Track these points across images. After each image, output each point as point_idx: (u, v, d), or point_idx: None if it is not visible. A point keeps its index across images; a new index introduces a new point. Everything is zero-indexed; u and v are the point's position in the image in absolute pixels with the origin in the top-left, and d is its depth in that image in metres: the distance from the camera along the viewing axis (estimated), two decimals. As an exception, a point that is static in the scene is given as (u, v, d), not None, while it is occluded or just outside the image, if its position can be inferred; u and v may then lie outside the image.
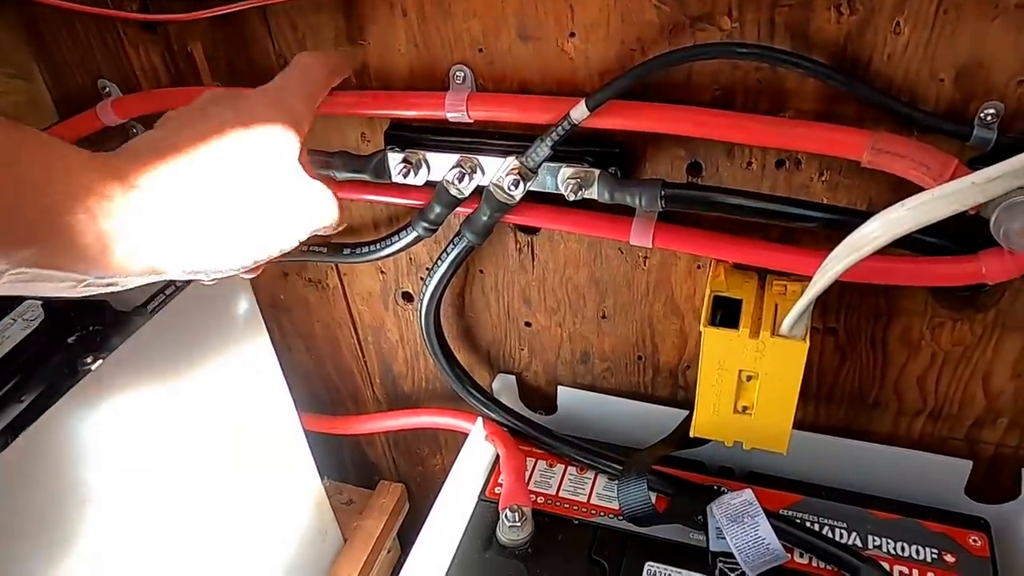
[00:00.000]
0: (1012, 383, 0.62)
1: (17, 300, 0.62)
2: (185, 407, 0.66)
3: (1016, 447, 0.66)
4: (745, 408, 0.63)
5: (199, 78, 0.69)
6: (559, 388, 0.80)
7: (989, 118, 0.50)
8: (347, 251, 0.73)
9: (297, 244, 0.45)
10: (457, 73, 0.61)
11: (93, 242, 0.33)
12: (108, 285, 0.37)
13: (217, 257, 0.40)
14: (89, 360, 0.58)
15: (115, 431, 0.59)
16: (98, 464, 0.57)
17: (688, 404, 0.66)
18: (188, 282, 0.70)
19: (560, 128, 0.55)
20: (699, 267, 0.65)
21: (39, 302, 0.62)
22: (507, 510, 0.68)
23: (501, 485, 0.73)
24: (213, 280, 0.43)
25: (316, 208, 0.46)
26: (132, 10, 0.66)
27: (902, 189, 0.50)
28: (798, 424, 0.71)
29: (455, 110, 0.60)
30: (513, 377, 0.81)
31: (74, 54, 0.72)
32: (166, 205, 0.37)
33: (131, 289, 0.38)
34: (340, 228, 0.48)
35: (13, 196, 0.31)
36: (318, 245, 0.74)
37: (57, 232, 0.32)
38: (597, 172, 0.59)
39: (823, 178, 0.57)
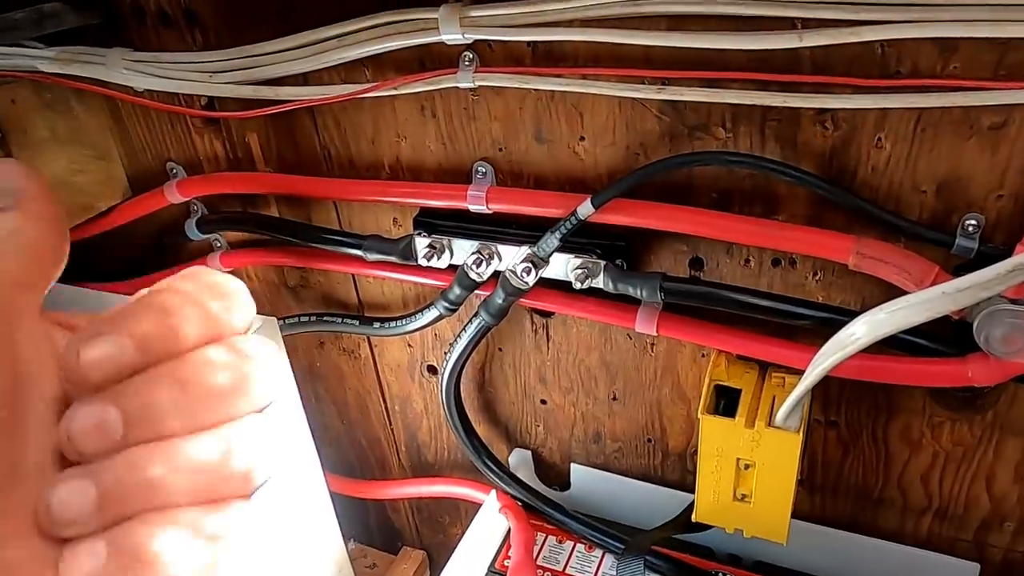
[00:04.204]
0: (1016, 487, 0.62)
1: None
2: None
3: (1025, 553, 0.66)
4: (744, 496, 0.65)
5: (254, 164, 0.77)
6: (573, 466, 0.82)
7: (971, 228, 0.53)
8: (377, 324, 0.78)
9: None
10: (480, 168, 0.67)
11: None
12: None
13: None
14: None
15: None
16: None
17: (695, 489, 0.68)
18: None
19: (568, 222, 0.60)
20: (703, 355, 0.68)
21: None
22: (512, 583, 0.70)
23: (510, 558, 0.76)
24: None
25: None
26: (200, 107, 0.74)
27: (894, 291, 0.53)
28: (805, 516, 0.72)
29: (476, 202, 0.65)
30: (529, 452, 0.84)
31: (148, 139, 0.81)
32: None
33: None
34: None
35: None
36: (350, 316, 0.80)
37: None
38: (603, 263, 0.63)
39: (817, 277, 0.60)
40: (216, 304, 0.22)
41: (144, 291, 0.22)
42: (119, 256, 0.89)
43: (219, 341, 0.22)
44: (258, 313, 0.75)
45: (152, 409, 0.20)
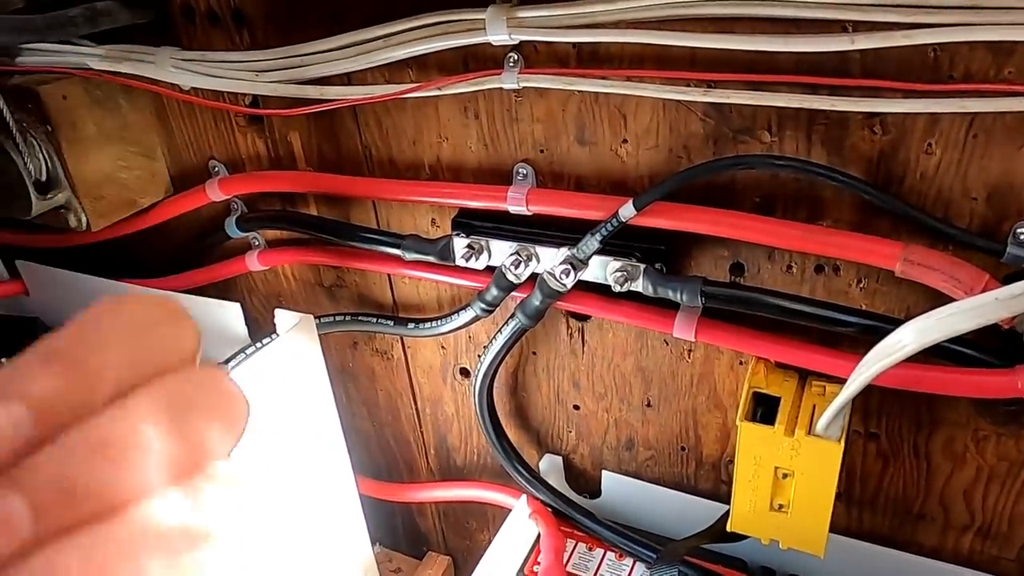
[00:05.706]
0: (1063, 505, 0.61)
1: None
2: (250, 460, 0.72)
3: (1072, 574, 0.64)
4: (781, 506, 0.64)
5: (295, 163, 0.78)
6: (604, 473, 0.81)
7: (1023, 237, 0.52)
8: (411, 325, 0.78)
9: None
10: (520, 170, 0.67)
11: None
12: None
13: None
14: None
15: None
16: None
17: (730, 499, 0.67)
18: (267, 342, 0.77)
19: (609, 225, 0.60)
20: (741, 363, 0.67)
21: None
22: (542, 588, 0.70)
23: (540, 564, 0.75)
24: None
25: None
26: (244, 104, 0.75)
27: (941, 301, 0.52)
28: (843, 530, 0.70)
29: (515, 203, 0.66)
30: (560, 458, 0.84)
31: (192, 137, 0.82)
32: None
33: None
34: None
35: None
36: (385, 317, 0.80)
37: None
38: (643, 267, 0.63)
39: (861, 285, 0.59)
40: (151, 335, 0.17)
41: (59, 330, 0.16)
42: (161, 253, 0.90)
43: (153, 382, 0.17)
44: (294, 311, 0.74)
45: (69, 489, 0.15)
